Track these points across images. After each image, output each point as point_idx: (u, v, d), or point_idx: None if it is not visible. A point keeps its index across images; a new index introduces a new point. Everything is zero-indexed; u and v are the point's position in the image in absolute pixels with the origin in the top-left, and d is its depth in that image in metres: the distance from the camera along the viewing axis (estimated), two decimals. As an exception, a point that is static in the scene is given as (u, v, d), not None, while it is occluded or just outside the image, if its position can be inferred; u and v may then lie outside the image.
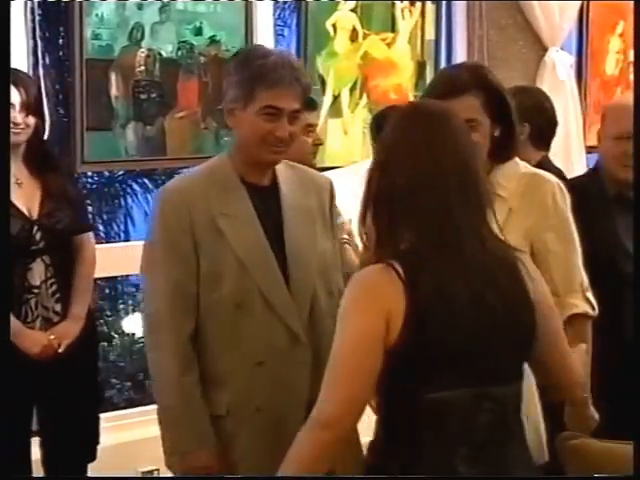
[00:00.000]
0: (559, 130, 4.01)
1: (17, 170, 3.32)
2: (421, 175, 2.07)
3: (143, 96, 4.20)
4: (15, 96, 3.25)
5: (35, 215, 3.31)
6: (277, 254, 2.58)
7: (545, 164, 3.63)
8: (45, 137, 3.51)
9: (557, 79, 5.38)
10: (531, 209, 2.71)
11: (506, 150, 2.72)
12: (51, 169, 3.40)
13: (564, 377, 2.22)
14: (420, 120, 2.14)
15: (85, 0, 3.99)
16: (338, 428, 2.01)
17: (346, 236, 3.45)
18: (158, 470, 3.91)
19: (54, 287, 3.34)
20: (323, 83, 4.75)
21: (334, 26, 4.76)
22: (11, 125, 3.20)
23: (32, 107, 3.30)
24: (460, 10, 5.17)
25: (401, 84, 4.98)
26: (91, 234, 3.55)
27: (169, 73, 4.26)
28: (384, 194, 2.10)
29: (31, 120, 3.31)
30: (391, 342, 2.00)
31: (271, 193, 2.63)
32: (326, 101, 4.75)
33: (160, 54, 4.23)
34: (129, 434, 4.04)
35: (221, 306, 2.54)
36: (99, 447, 3.51)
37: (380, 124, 2.73)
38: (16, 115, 3.24)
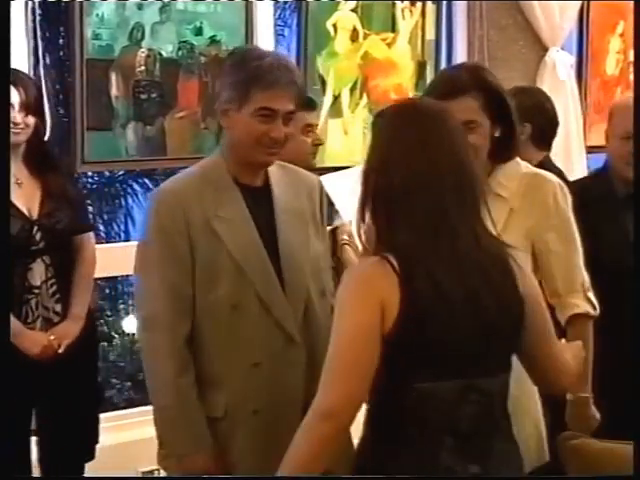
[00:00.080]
0: (559, 130, 4.01)
1: (17, 170, 3.32)
2: (416, 174, 2.09)
3: (143, 96, 4.19)
4: (14, 96, 3.25)
5: (35, 215, 3.31)
6: (271, 255, 2.58)
7: (546, 164, 3.63)
8: (46, 137, 3.51)
9: (557, 79, 5.38)
10: (532, 209, 2.71)
11: (507, 150, 2.72)
12: (51, 169, 3.40)
13: (552, 369, 2.26)
14: (415, 119, 2.16)
15: (85, 0, 3.99)
16: (338, 420, 2.03)
17: (346, 237, 3.46)
18: (158, 470, 3.90)
19: (54, 287, 3.34)
20: (323, 83, 4.74)
21: (334, 26, 4.76)
22: (11, 125, 3.21)
23: (31, 107, 3.30)
24: (460, 10, 5.17)
25: (401, 84, 4.98)
26: (91, 234, 3.55)
27: (169, 73, 4.26)
28: (380, 193, 2.12)
29: (31, 120, 3.31)
30: (385, 333, 2.03)
31: (264, 194, 2.63)
32: (326, 101, 4.75)
33: (160, 54, 4.22)
34: (129, 434, 4.05)
35: (217, 308, 2.54)
36: (99, 447, 3.52)
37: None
38: (15, 115, 3.24)
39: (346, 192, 3.18)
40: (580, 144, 5.52)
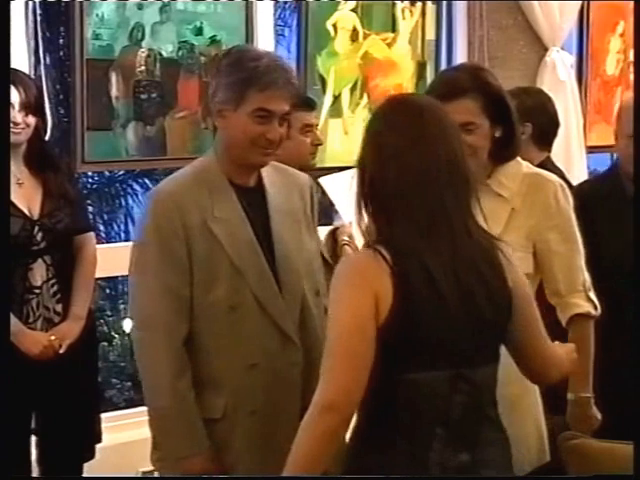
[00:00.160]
0: (559, 130, 4.01)
1: (18, 170, 3.32)
2: (410, 169, 2.11)
3: (143, 96, 4.19)
4: (15, 96, 3.24)
5: (36, 215, 3.31)
6: (266, 256, 2.59)
7: (547, 165, 3.63)
8: (47, 137, 3.51)
9: (557, 79, 5.38)
10: (533, 209, 2.71)
11: (507, 150, 2.72)
12: (52, 169, 3.40)
13: (540, 361, 2.29)
14: (408, 114, 2.18)
15: (86, 0, 3.99)
16: (341, 410, 2.04)
17: (347, 238, 3.45)
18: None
19: (55, 287, 3.34)
20: (323, 83, 4.74)
21: (334, 26, 4.76)
22: (11, 125, 3.21)
23: (32, 107, 3.30)
24: (460, 10, 5.17)
25: (401, 84, 4.98)
26: (92, 234, 3.54)
27: (169, 73, 4.26)
28: (374, 188, 2.14)
29: (31, 120, 3.30)
30: (378, 324, 2.06)
31: (257, 194, 2.63)
32: (326, 101, 4.75)
33: (160, 54, 4.22)
34: (129, 434, 4.04)
35: (215, 309, 2.53)
36: (99, 447, 3.52)
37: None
38: (16, 115, 3.24)
39: (346, 192, 3.18)
40: (580, 144, 5.51)
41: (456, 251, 2.12)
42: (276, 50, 4.86)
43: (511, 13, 5.33)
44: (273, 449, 2.48)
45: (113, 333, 7.21)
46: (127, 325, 7.08)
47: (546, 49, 5.43)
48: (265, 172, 2.66)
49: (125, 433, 4.07)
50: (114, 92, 4.11)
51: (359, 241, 2.30)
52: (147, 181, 7.13)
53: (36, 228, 3.29)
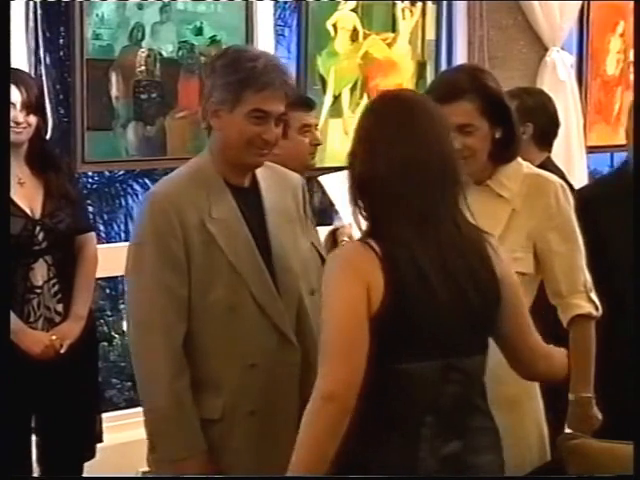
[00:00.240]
0: (559, 130, 4.01)
1: (19, 170, 3.32)
2: (399, 162, 2.14)
3: (143, 96, 4.20)
4: (16, 95, 3.24)
5: (37, 215, 3.31)
6: (262, 256, 2.59)
7: (548, 165, 3.64)
8: (47, 137, 3.51)
9: (557, 79, 5.38)
10: (534, 210, 2.71)
11: (508, 151, 2.73)
12: (53, 168, 3.40)
13: (527, 352, 2.32)
14: (397, 108, 2.22)
15: (85, 0, 3.99)
16: (342, 400, 2.06)
17: (347, 239, 3.45)
18: (159, 470, 3.91)
19: (56, 287, 3.33)
20: (324, 83, 4.75)
21: (334, 26, 4.76)
22: (12, 124, 3.21)
23: (33, 106, 3.30)
24: (461, 10, 5.17)
25: (402, 84, 4.97)
26: (93, 234, 3.54)
27: (170, 73, 4.26)
28: (364, 181, 2.18)
29: (32, 119, 3.30)
30: (370, 315, 2.09)
31: (252, 195, 2.63)
32: (327, 101, 4.75)
33: (161, 54, 4.23)
34: (129, 434, 4.04)
35: (214, 309, 2.53)
36: (99, 447, 3.52)
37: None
38: (17, 114, 3.24)
39: (346, 192, 3.18)
40: (580, 144, 5.52)
41: (444, 243, 2.16)
42: (276, 50, 4.87)
43: (511, 13, 5.33)
44: (272, 449, 2.49)
45: (113, 333, 7.21)
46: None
47: (546, 49, 5.43)
48: (259, 172, 2.66)
49: (125, 433, 4.07)
50: (114, 92, 4.11)
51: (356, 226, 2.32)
52: (147, 181, 7.13)
53: (37, 228, 3.29)
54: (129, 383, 6.86)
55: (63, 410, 3.36)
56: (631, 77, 5.73)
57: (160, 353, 2.51)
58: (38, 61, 3.98)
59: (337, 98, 4.80)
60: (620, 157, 5.95)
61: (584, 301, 2.73)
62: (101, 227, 7.12)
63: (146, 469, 4.01)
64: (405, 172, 2.14)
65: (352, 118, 4.82)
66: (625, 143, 3.40)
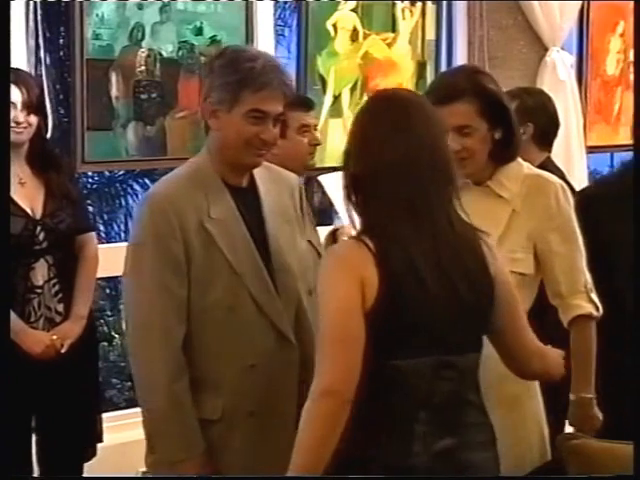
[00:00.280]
0: (559, 130, 4.01)
1: (20, 169, 3.32)
2: (392, 159, 2.17)
3: (143, 96, 4.20)
4: (17, 95, 3.24)
5: (38, 215, 3.31)
6: (261, 257, 2.59)
7: (548, 165, 3.64)
8: (47, 136, 3.51)
9: (557, 79, 5.38)
10: (534, 210, 2.71)
11: (508, 152, 2.73)
12: (54, 168, 3.40)
13: (521, 350, 2.34)
14: (391, 106, 2.25)
15: (85, 0, 3.99)
16: (339, 395, 2.08)
17: (346, 239, 3.45)
18: (159, 470, 3.91)
19: (57, 287, 3.33)
20: (324, 83, 4.75)
21: (334, 26, 4.76)
22: (13, 124, 3.21)
23: (34, 106, 3.30)
24: (461, 10, 5.17)
25: (402, 84, 4.97)
26: (93, 234, 3.55)
27: (170, 73, 4.26)
28: (358, 178, 2.21)
29: (33, 119, 3.30)
30: (365, 311, 2.11)
31: (250, 195, 2.63)
32: (327, 101, 4.75)
33: (161, 54, 4.23)
34: (129, 434, 4.04)
35: (213, 310, 2.53)
36: (99, 447, 3.52)
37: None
38: (18, 114, 3.24)
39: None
40: (580, 144, 5.52)
41: (439, 240, 2.17)
42: (276, 50, 4.86)
43: (511, 13, 5.33)
44: (271, 449, 2.49)
45: (113, 333, 7.21)
46: (127, 325, 7.08)
47: (546, 49, 5.43)
48: (256, 172, 2.66)
49: (125, 433, 4.07)
50: (114, 92, 4.11)
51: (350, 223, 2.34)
52: (147, 181, 7.12)
53: (38, 228, 3.29)
54: (129, 383, 6.85)
55: (63, 410, 3.36)
56: (631, 77, 5.72)
57: (159, 354, 2.51)
58: (38, 61, 3.98)
59: (337, 98, 4.80)
60: (620, 157, 5.96)
61: (584, 301, 2.73)
62: (101, 227, 7.12)
63: (146, 469, 4.01)
64: (399, 170, 2.16)
65: (352, 118, 4.82)
66: (625, 143, 3.40)
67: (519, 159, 2.78)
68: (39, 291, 3.30)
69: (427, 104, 2.29)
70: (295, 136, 3.46)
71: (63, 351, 3.29)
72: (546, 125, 3.84)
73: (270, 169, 2.73)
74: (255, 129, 2.53)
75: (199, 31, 4.32)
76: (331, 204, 3.73)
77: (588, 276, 2.75)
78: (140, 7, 4.15)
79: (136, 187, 7.34)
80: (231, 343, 2.54)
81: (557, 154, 4.17)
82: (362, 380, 2.10)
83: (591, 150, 5.67)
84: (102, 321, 7.02)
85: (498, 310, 2.26)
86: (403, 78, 5.02)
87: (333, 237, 3.49)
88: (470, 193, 2.70)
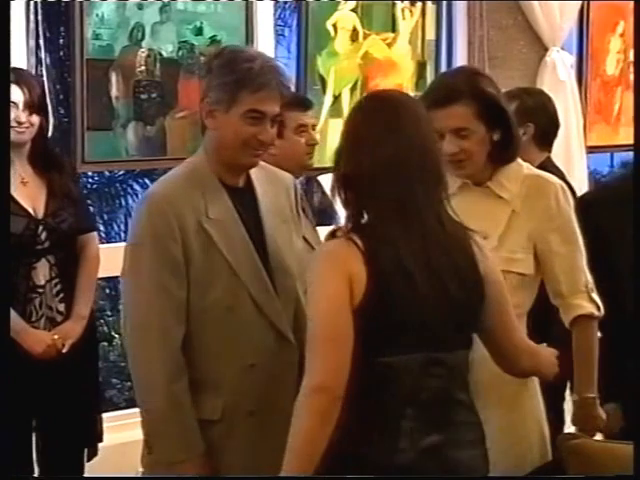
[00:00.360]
0: (559, 130, 4.01)
1: (22, 169, 3.32)
2: (383, 159, 2.19)
3: (143, 96, 4.20)
4: (18, 95, 3.24)
5: (40, 214, 3.31)
6: (260, 257, 2.59)
7: (548, 165, 3.64)
8: (48, 136, 3.51)
9: (557, 79, 5.38)
10: (534, 211, 2.71)
11: (507, 153, 2.73)
12: (56, 168, 3.40)
13: (511, 348, 2.37)
14: (382, 106, 2.27)
15: (85, 0, 3.99)
16: (330, 391, 2.10)
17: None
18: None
19: (58, 287, 3.34)
20: (324, 83, 4.75)
21: (334, 26, 4.76)
22: (15, 124, 3.21)
23: (36, 106, 3.30)
24: (461, 10, 5.18)
25: (402, 84, 4.98)
26: (95, 234, 3.55)
27: (170, 73, 4.26)
28: (349, 177, 2.22)
29: (35, 119, 3.30)
30: (353, 308, 2.13)
31: (247, 195, 2.63)
32: (327, 101, 4.75)
33: (161, 54, 4.23)
34: (129, 434, 4.03)
35: (213, 310, 2.53)
36: (99, 447, 3.52)
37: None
38: (20, 114, 3.24)
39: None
40: (580, 144, 5.52)
41: (428, 239, 2.19)
42: (276, 50, 4.86)
43: (511, 13, 5.33)
44: (271, 449, 2.47)
45: (113, 333, 7.20)
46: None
47: (546, 49, 5.43)
48: (252, 172, 2.67)
49: (125, 433, 4.07)
50: (114, 92, 4.11)
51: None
52: (147, 181, 7.12)
53: (40, 227, 3.29)
54: (129, 383, 6.83)
55: (63, 410, 3.36)
56: (631, 77, 5.72)
57: (157, 355, 2.50)
58: (38, 61, 3.99)
59: (337, 98, 4.80)
60: (620, 157, 5.96)
61: (586, 301, 2.73)
62: (101, 227, 7.11)
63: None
64: (389, 170, 2.18)
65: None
66: (625, 143, 3.40)
67: (519, 160, 2.78)
68: (41, 291, 3.30)
69: (418, 105, 2.32)
70: (292, 136, 3.46)
71: (64, 351, 3.29)
72: (546, 125, 3.84)
73: (266, 169, 2.73)
74: (253, 129, 2.54)
75: (199, 31, 4.32)
76: (331, 204, 3.73)
77: (589, 276, 2.76)
78: (140, 7, 4.15)
79: (136, 187, 7.34)
80: (231, 343, 2.54)
81: (557, 154, 4.17)
82: (352, 377, 2.12)
83: (591, 150, 5.67)
84: (102, 321, 7.02)
85: (488, 309, 2.28)
86: (403, 78, 5.02)
87: (333, 237, 3.48)
88: (470, 194, 2.70)
